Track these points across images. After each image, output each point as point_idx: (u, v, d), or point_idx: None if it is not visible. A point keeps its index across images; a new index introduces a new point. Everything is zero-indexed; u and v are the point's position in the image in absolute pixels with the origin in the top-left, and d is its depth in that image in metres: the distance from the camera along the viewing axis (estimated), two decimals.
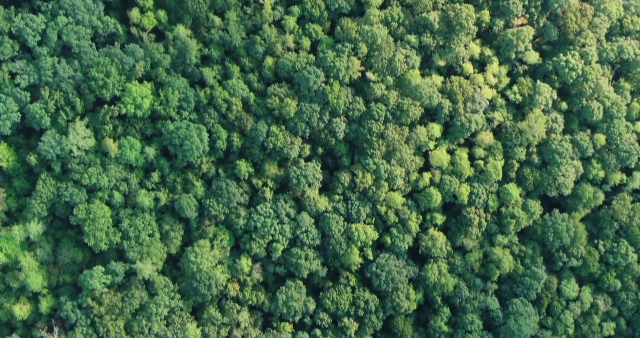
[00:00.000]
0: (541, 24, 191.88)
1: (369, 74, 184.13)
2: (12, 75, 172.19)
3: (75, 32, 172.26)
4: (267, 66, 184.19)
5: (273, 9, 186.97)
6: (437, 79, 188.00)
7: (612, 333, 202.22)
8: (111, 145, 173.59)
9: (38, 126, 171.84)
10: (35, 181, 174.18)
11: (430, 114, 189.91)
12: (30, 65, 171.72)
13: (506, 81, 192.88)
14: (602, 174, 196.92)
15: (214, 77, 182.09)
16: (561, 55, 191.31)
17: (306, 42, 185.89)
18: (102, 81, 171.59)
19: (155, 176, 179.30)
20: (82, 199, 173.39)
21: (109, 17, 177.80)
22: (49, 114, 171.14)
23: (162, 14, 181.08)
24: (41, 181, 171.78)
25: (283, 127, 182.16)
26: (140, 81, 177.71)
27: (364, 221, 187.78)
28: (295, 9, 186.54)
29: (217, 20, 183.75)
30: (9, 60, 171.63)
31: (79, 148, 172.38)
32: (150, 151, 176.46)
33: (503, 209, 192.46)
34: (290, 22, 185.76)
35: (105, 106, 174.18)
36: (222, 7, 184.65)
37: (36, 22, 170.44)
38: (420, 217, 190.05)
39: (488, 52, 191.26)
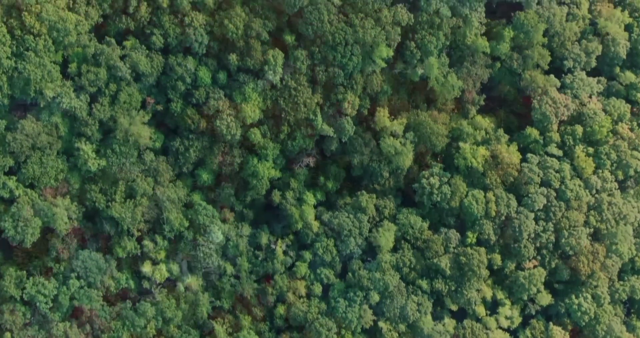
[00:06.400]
0: (553, 265, 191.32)
1: (381, 324, 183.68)
2: None
3: (87, 296, 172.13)
4: (279, 314, 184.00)
5: (285, 253, 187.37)
6: (450, 324, 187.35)
7: None
8: None
9: None
10: None
11: None
12: (42, 331, 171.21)
13: (519, 320, 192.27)
14: None
15: (225, 331, 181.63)
16: (573, 297, 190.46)
17: (317, 289, 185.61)
18: None
19: None
20: None
21: (121, 273, 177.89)
22: None
23: (174, 267, 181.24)
24: None
25: None
26: None
27: None
28: (307, 254, 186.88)
29: (229, 268, 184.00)
30: (21, 327, 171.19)
31: None
32: None
33: None
34: (302, 269, 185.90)
35: None
36: (234, 254, 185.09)
37: (48, 288, 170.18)
38: None
39: (500, 295, 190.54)
